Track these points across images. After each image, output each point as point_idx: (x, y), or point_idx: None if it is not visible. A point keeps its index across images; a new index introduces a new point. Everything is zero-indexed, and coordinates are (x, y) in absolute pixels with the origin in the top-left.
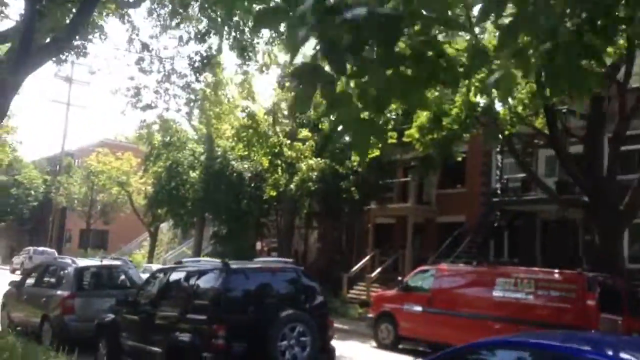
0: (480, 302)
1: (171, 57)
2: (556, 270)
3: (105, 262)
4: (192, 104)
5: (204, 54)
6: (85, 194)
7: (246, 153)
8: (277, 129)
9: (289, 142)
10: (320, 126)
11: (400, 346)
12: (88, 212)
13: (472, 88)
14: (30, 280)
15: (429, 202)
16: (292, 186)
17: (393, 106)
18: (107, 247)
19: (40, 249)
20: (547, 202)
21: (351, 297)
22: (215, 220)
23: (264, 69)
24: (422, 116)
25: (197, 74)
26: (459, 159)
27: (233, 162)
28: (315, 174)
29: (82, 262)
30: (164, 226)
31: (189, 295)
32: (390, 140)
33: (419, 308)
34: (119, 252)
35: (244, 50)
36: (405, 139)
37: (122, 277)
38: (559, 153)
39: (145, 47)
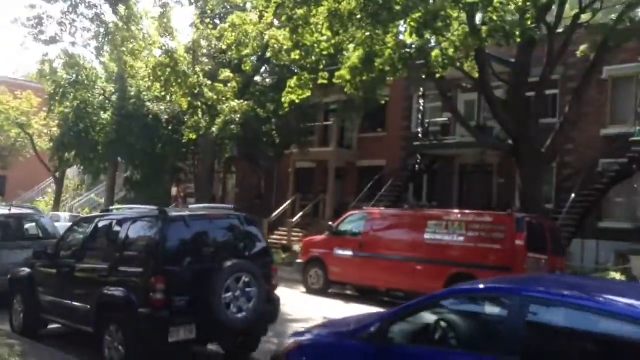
0: (411, 246)
1: None
2: (487, 212)
3: (15, 210)
4: (101, 38)
5: None
6: None
7: (163, 94)
8: (197, 68)
9: (209, 82)
10: (243, 67)
11: (330, 291)
12: None
13: (407, 27)
14: None
15: (350, 146)
16: (213, 129)
17: (324, 45)
18: (4, 194)
19: None
20: (467, 146)
21: (272, 242)
22: (129, 165)
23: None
24: (354, 57)
25: (113, 4)
26: (383, 102)
27: (148, 104)
28: (239, 116)
29: None
30: (71, 172)
31: (121, 246)
32: (320, 81)
33: (349, 252)
34: (20, 199)
35: None
36: (335, 81)
37: (34, 227)
38: (488, 97)
39: None
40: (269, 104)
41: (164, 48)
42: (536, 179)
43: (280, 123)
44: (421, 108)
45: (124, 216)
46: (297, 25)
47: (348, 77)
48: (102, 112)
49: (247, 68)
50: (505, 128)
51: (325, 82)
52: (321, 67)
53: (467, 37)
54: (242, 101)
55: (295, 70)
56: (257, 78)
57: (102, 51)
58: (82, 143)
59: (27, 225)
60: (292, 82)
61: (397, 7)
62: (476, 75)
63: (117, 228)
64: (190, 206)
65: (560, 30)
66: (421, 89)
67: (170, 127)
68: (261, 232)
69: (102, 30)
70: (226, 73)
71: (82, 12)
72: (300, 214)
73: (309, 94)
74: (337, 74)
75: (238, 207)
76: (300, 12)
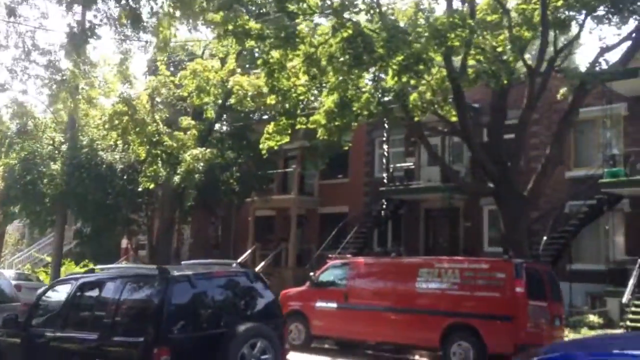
0: (402, 295)
1: (32, 29)
2: (483, 258)
3: None
4: (55, 85)
5: (89, 24)
6: None
7: (120, 142)
8: (156, 116)
9: (169, 130)
10: (205, 114)
11: (313, 345)
12: None
13: (390, 71)
14: None
15: (311, 193)
16: (176, 178)
17: (301, 89)
18: None
19: None
20: (433, 191)
21: None
22: (79, 218)
23: (161, 45)
24: (329, 101)
25: (77, 49)
26: (346, 148)
27: (101, 153)
28: (202, 164)
29: None
30: (10, 226)
31: (113, 312)
32: (298, 126)
33: (333, 304)
34: None
35: (137, 20)
36: (310, 126)
37: None
38: (468, 140)
39: (11, 12)
40: (229, 152)
41: (122, 96)
42: (518, 222)
43: (240, 171)
44: (385, 153)
45: (115, 276)
46: (273, 69)
47: (323, 121)
48: (51, 163)
49: (209, 115)
50: (487, 170)
51: (304, 127)
52: (298, 111)
53: (444, 81)
54: (204, 149)
55: (255, 118)
56: (217, 126)
57: (57, 99)
58: (28, 195)
59: None
60: (270, 127)
61: (380, 50)
62: (453, 119)
63: (107, 291)
64: (184, 262)
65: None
66: (384, 134)
67: (125, 177)
68: (269, 290)
69: (57, 77)
70: (187, 121)
71: (35, 59)
72: (262, 263)
73: (287, 139)
74: (312, 118)
75: (243, 263)
76: (276, 55)
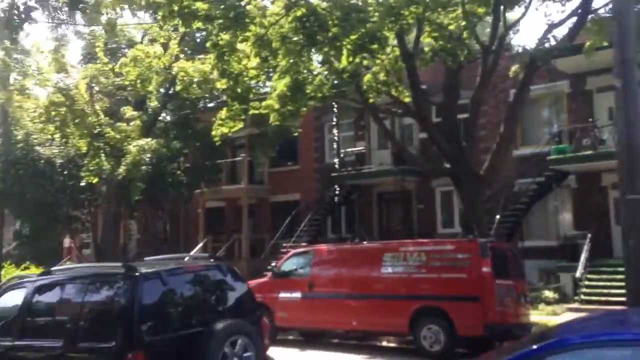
0: (368, 282)
1: None
2: (448, 240)
3: None
4: None
5: (23, 6)
6: None
7: (57, 135)
8: (97, 107)
9: (111, 121)
10: (148, 103)
11: (278, 337)
12: None
13: (344, 50)
14: None
15: (261, 181)
16: (120, 170)
17: (253, 72)
18: None
19: None
20: (386, 174)
21: None
22: (18, 218)
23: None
24: (281, 84)
25: (12, 32)
26: (295, 134)
27: (38, 148)
28: (149, 156)
29: None
30: None
31: (77, 315)
32: (251, 112)
33: (297, 294)
34: None
35: (76, 1)
36: (262, 111)
37: None
38: (424, 121)
39: None
40: (175, 142)
41: (57, 85)
42: (476, 201)
43: (187, 161)
44: (335, 138)
45: (75, 277)
46: (223, 51)
47: (276, 106)
48: None
49: (153, 104)
50: (443, 151)
51: (257, 112)
52: (251, 96)
53: (397, 61)
54: (150, 139)
55: (201, 106)
56: (162, 115)
57: None
58: None
59: None
60: (223, 113)
61: (334, 30)
62: (406, 100)
63: (68, 293)
64: (147, 259)
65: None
66: (334, 119)
67: (65, 172)
68: (243, 282)
69: None
70: (130, 111)
71: None
72: (216, 255)
73: (241, 125)
74: (264, 103)
75: (215, 255)
76: (225, 37)
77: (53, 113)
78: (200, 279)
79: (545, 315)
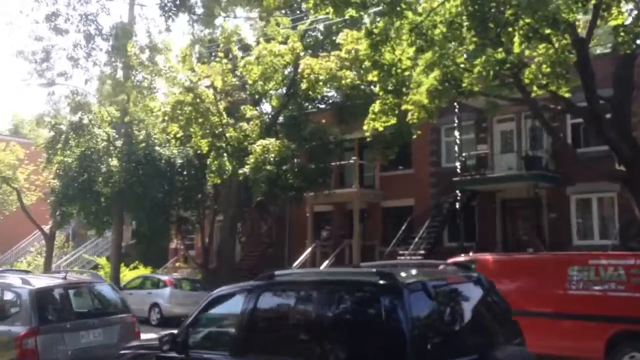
0: (550, 298)
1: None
2: None
3: (71, 277)
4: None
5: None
6: None
7: (179, 135)
8: (220, 106)
9: (232, 121)
10: (270, 102)
11: None
12: None
13: (516, 36)
14: None
15: (371, 185)
16: (245, 170)
17: (406, 64)
18: None
19: None
20: (513, 180)
21: None
22: (136, 218)
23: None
24: (430, 78)
25: (169, 18)
26: (414, 137)
27: (158, 148)
28: (272, 156)
29: (36, 279)
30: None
31: (318, 333)
32: (404, 106)
33: None
34: None
35: None
36: (408, 107)
37: (96, 298)
38: (599, 118)
39: None
40: (289, 143)
41: (184, 84)
42: None
43: (300, 163)
44: (457, 140)
45: (313, 283)
46: (377, 41)
47: (425, 101)
48: (109, 159)
49: (274, 103)
50: (619, 153)
51: (410, 108)
52: (404, 89)
53: (564, 50)
54: (273, 139)
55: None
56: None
57: (120, 88)
58: (85, 195)
59: (88, 297)
60: (376, 106)
61: (509, 12)
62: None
63: (304, 303)
64: (363, 264)
65: None
66: (455, 120)
67: (185, 173)
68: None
69: (119, 63)
70: (251, 111)
71: (99, 45)
72: (326, 262)
73: (394, 120)
74: (411, 98)
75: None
76: (380, 24)
77: (179, 112)
78: (463, 293)
79: None
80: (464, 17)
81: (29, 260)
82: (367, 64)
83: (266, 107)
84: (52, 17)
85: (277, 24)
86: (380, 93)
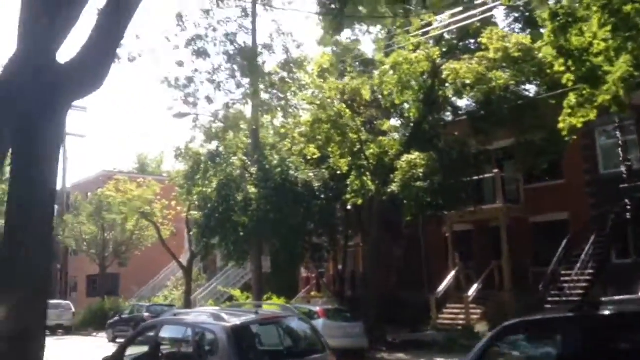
0: None
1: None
2: None
3: (264, 312)
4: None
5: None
6: (95, 234)
7: (316, 156)
8: (358, 121)
9: (371, 137)
10: (409, 113)
11: None
12: (101, 254)
13: None
14: (133, 351)
15: (515, 200)
16: (393, 187)
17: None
18: (118, 293)
19: (54, 302)
20: None
21: (443, 323)
22: (272, 246)
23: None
24: (620, 64)
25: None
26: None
27: (292, 172)
28: (421, 170)
29: (229, 317)
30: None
31: None
32: (600, 98)
33: None
34: (137, 295)
35: None
36: (605, 96)
37: (293, 335)
38: None
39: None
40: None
41: (325, 100)
42: None
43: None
44: (620, 142)
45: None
46: (563, 23)
47: (621, 92)
48: (248, 187)
49: (412, 114)
50: None
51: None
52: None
53: None
54: (420, 153)
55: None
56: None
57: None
58: (225, 225)
59: (287, 334)
60: (572, 98)
61: None
62: None
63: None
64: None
65: None
66: (616, 120)
67: (322, 197)
68: None
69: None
70: (388, 124)
71: (237, 63)
72: (475, 286)
73: (593, 115)
74: (604, 87)
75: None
76: (565, 2)
77: (317, 131)
78: None
79: None
80: None
81: (165, 294)
82: (548, 52)
83: (395, 121)
84: (191, 42)
85: (407, 33)
86: (569, 84)
